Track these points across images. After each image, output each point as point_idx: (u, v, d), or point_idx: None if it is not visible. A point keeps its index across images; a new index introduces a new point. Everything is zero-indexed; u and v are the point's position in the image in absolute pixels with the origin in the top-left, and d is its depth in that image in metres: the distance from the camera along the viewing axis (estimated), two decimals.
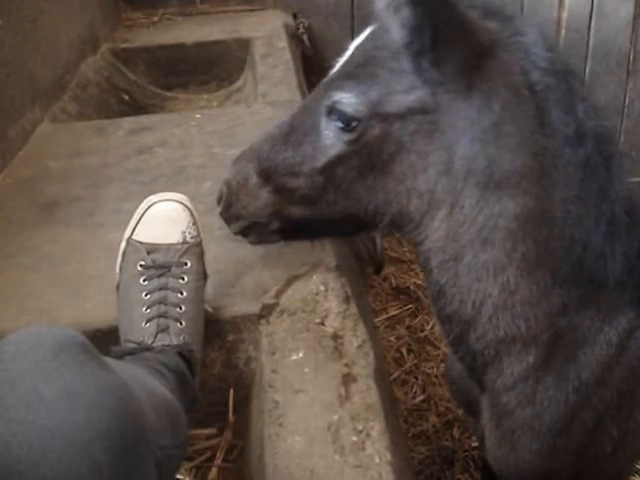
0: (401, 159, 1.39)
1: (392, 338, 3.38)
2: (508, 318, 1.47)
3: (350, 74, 1.41)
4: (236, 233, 1.63)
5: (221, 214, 1.62)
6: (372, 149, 1.40)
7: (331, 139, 1.42)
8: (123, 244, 1.53)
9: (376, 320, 3.43)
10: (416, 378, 3.22)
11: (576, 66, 3.76)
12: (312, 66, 3.53)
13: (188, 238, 1.54)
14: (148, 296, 1.46)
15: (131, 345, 1.43)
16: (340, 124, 1.39)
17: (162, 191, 2.04)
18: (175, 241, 1.52)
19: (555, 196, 1.39)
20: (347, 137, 1.39)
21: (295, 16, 3.79)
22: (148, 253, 1.49)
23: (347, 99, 1.37)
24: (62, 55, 2.89)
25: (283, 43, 3.22)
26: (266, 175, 1.51)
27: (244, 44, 3.36)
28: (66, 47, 2.93)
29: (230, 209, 1.60)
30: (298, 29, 3.65)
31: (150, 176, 2.16)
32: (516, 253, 1.41)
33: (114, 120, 2.66)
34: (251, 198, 1.55)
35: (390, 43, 1.37)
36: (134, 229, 1.52)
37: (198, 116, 2.56)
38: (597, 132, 1.39)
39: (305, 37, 3.65)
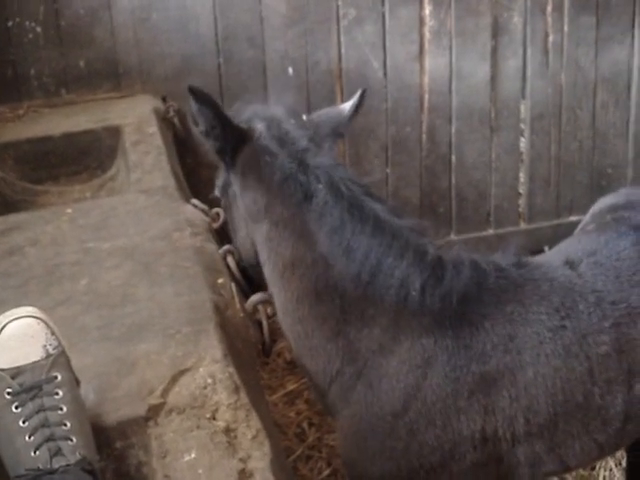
0: (236, 202, 2.12)
1: (292, 414, 3.35)
2: (289, 321, 1.94)
3: None
4: None
5: None
6: (228, 197, 2.18)
7: None
8: None
9: (274, 397, 3.39)
10: (320, 452, 3.18)
11: (442, 126, 3.94)
12: (186, 148, 3.52)
13: (50, 350, 1.45)
14: (26, 423, 1.37)
15: (32, 473, 1.34)
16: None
17: (36, 294, 1.99)
18: (38, 357, 1.43)
19: (295, 229, 1.89)
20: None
21: (164, 99, 3.78)
22: (13, 378, 1.40)
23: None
24: None
25: (154, 128, 3.19)
26: None
27: (114, 132, 3.31)
28: None
29: None
30: (168, 112, 3.64)
31: (21, 279, 2.07)
32: (275, 271, 1.94)
33: None
34: None
35: None
36: None
37: (69, 210, 2.49)
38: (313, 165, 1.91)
39: (176, 120, 3.64)
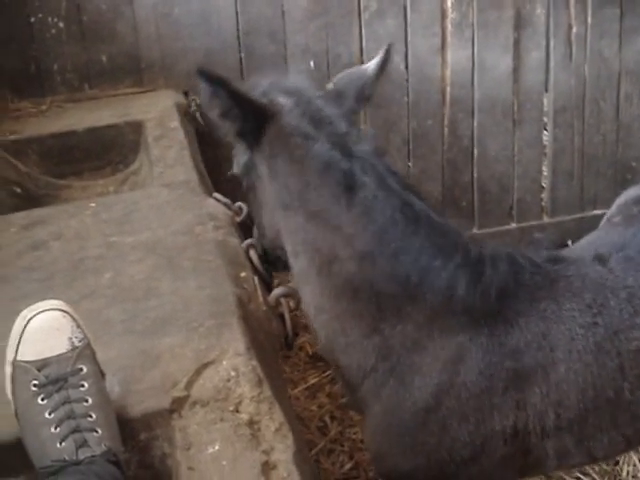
0: (260, 190, 2.00)
1: (314, 407, 3.35)
2: (324, 317, 1.87)
3: None
4: None
5: None
6: (252, 179, 2.04)
7: None
8: (9, 368, 1.45)
9: (296, 390, 3.40)
10: (342, 445, 3.18)
11: (464, 119, 3.91)
12: (207, 142, 3.53)
13: (76, 343, 1.47)
14: (52, 415, 1.38)
15: (58, 464, 1.36)
16: None
17: (60, 288, 2.00)
18: (64, 350, 1.45)
19: (339, 224, 1.77)
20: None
21: (186, 94, 3.79)
22: (39, 370, 1.41)
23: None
24: None
25: (176, 123, 3.20)
26: None
27: (137, 126, 3.33)
28: None
29: None
30: (190, 107, 3.65)
31: (46, 273, 2.09)
32: (312, 266, 1.83)
33: (5, 216, 2.56)
34: None
35: None
36: (17, 350, 1.43)
37: (93, 205, 2.50)
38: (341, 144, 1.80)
39: (198, 114, 3.65)
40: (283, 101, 1.88)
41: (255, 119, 1.85)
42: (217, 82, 1.78)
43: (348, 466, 3.06)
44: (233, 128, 1.87)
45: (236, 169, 2.08)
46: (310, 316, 1.92)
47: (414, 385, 1.79)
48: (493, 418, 1.78)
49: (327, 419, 3.29)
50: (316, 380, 3.47)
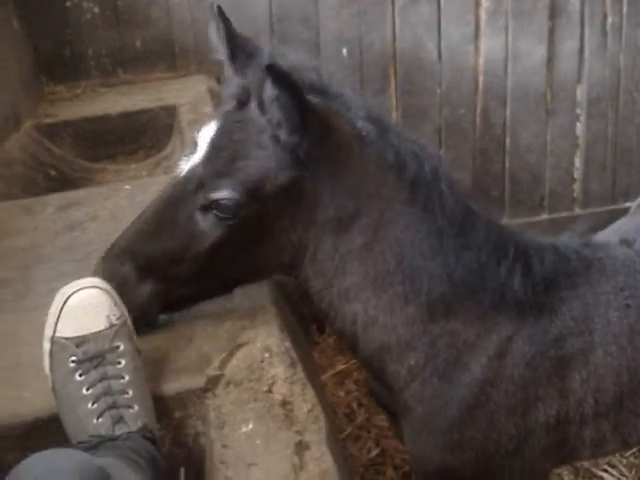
0: (277, 224, 1.68)
1: (341, 393, 3.36)
2: (377, 327, 1.76)
3: (222, 173, 1.63)
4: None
5: None
6: (252, 224, 1.65)
7: (211, 226, 1.64)
8: (47, 344, 1.47)
9: (324, 376, 3.41)
10: (369, 432, 3.20)
11: (497, 108, 3.86)
12: None
13: (114, 320, 1.49)
14: (90, 390, 1.41)
15: (95, 439, 1.39)
16: (222, 214, 1.62)
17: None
18: (102, 327, 1.47)
19: (398, 225, 1.71)
20: (229, 222, 1.63)
21: (219, 80, 3.81)
22: (77, 346, 1.44)
23: (227, 195, 1.61)
24: None
25: (209, 108, 3.22)
26: (147, 270, 1.67)
27: (170, 111, 3.36)
28: None
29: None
30: None
31: (82, 253, 2.11)
32: (366, 279, 1.72)
33: (41, 197, 2.60)
34: (134, 295, 1.66)
35: (249, 136, 1.63)
36: (56, 326, 1.46)
37: (128, 187, 2.53)
38: (416, 152, 1.73)
39: None
40: (362, 124, 1.70)
41: (313, 133, 1.60)
42: (288, 88, 1.52)
43: (375, 452, 3.08)
44: (288, 141, 1.60)
45: (238, 196, 1.62)
46: (356, 332, 1.80)
47: (461, 382, 1.77)
48: (537, 409, 1.78)
49: (354, 406, 3.31)
50: (344, 367, 3.48)
